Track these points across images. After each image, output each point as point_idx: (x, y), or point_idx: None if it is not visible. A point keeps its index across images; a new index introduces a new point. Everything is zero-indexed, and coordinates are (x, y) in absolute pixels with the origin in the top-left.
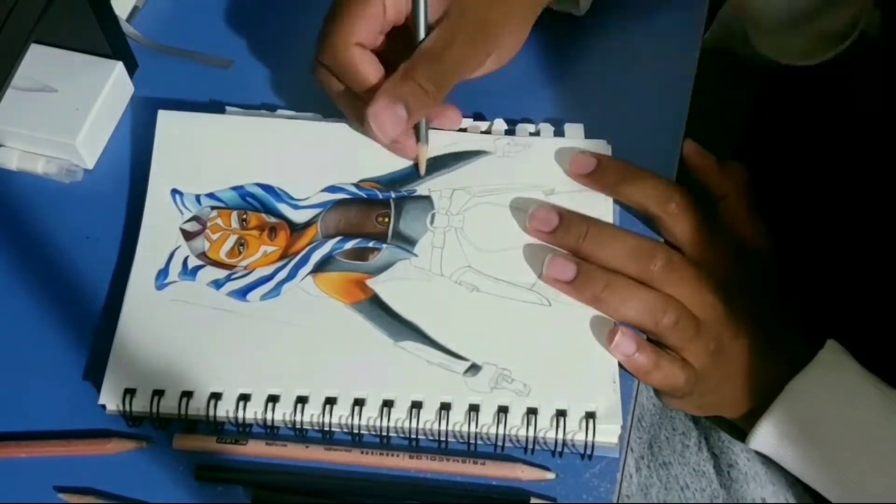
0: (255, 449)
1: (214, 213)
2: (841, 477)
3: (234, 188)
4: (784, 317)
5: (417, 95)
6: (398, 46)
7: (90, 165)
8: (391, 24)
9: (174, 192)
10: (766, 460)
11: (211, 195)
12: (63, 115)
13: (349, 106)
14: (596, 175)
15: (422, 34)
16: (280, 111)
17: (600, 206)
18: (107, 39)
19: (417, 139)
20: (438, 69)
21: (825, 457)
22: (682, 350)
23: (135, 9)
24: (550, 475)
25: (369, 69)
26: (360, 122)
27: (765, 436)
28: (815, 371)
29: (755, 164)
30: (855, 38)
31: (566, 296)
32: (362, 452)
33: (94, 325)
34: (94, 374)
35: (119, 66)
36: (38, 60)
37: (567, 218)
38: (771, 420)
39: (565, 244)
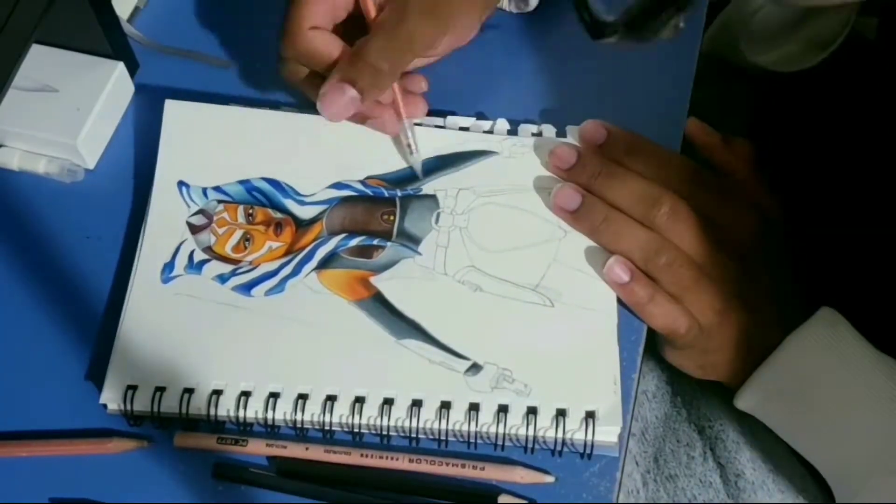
0: (256, 448)
1: (221, 206)
2: (826, 436)
3: (241, 182)
4: (798, 293)
5: (370, 74)
6: (357, 34)
7: (91, 165)
8: (344, 8)
9: (181, 184)
10: (774, 468)
11: (217, 189)
12: (64, 115)
13: (314, 90)
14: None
15: (372, 13)
16: (283, 109)
17: None
18: (108, 39)
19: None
20: (390, 45)
21: (813, 413)
22: (680, 297)
23: (136, 9)
24: (550, 478)
25: (329, 48)
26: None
27: (753, 392)
28: (809, 329)
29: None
30: (841, 43)
31: (568, 297)
32: (362, 455)
33: (95, 325)
34: (96, 374)
35: (120, 67)
36: (40, 60)
37: (584, 157)
38: (761, 376)
39: (579, 181)
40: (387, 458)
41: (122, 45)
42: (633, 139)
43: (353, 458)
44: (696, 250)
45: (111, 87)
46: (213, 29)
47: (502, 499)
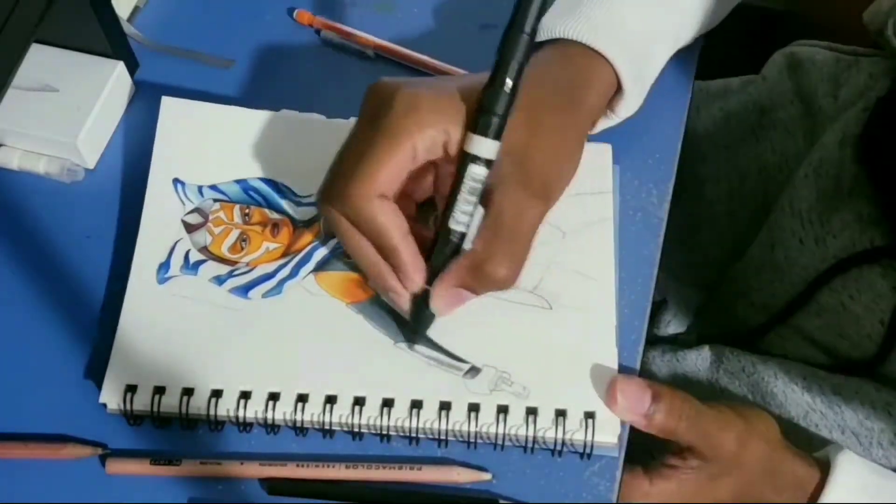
0: (190, 469)
1: (217, 205)
2: None
3: (238, 181)
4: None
5: (491, 284)
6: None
7: (91, 165)
8: (420, 165)
9: (176, 181)
10: None
11: (214, 187)
12: (64, 114)
13: (360, 254)
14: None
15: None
16: (284, 111)
17: (602, 211)
18: (108, 39)
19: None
20: (513, 249)
21: None
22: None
23: (136, 9)
24: (486, 476)
25: (394, 225)
26: (377, 279)
27: None
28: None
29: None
30: None
31: (566, 299)
32: (298, 465)
33: (95, 325)
34: (96, 373)
35: (120, 66)
36: (40, 60)
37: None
38: None
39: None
40: (323, 466)
41: (121, 45)
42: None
43: (289, 469)
44: None
45: (111, 86)
46: (212, 28)
47: None
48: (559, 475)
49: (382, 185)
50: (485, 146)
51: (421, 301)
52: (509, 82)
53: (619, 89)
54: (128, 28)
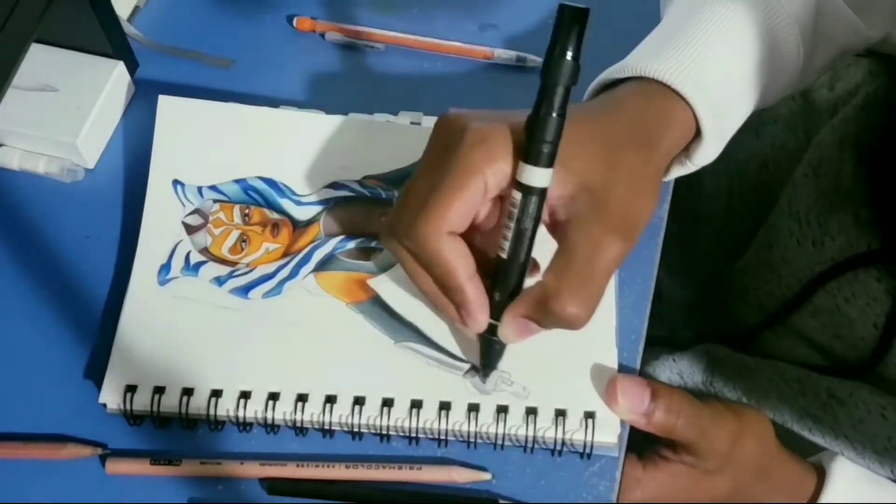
0: (190, 469)
1: (217, 206)
2: None
3: (237, 181)
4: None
5: (562, 321)
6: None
7: (91, 165)
8: (478, 207)
9: (175, 182)
10: None
11: (213, 188)
12: (64, 114)
13: (426, 287)
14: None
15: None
16: (283, 108)
17: None
18: (108, 39)
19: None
20: (585, 286)
21: None
22: None
23: (136, 8)
24: (486, 475)
25: (458, 262)
26: (444, 311)
27: None
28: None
29: None
30: None
31: None
32: (297, 465)
33: (95, 325)
34: (96, 374)
35: (120, 66)
36: (40, 60)
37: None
38: None
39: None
40: (323, 466)
41: (121, 45)
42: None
43: (289, 469)
44: None
45: (111, 86)
46: (212, 28)
47: None
48: (559, 475)
49: (452, 221)
50: (537, 175)
51: (488, 334)
52: (556, 107)
53: (697, 136)
54: (128, 28)
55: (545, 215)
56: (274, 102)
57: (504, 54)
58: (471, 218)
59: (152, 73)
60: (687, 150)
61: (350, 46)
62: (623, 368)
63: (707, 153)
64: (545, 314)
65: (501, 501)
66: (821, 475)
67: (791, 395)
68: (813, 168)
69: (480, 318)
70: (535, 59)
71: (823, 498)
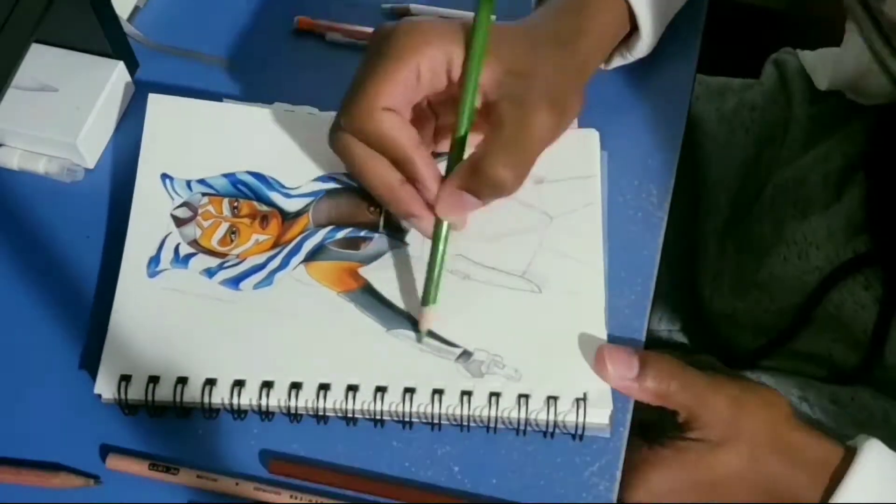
0: (186, 479)
1: (206, 199)
2: None
3: (225, 175)
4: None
5: (493, 186)
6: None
7: (91, 165)
8: (425, 92)
9: (164, 176)
10: None
11: (202, 181)
12: (64, 114)
13: (375, 174)
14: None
15: (473, 103)
16: (276, 104)
17: (589, 195)
18: (108, 39)
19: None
20: (515, 155)
21: None
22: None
23: (136, 8)
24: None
25: (400, 134)
26: (396, 204)
27: None
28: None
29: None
30: None
31: (555, 282)
32: (291, 496)
33: (95, 324)
34: (92, 366)
35: (120, 66)
36: (40, 60)
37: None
38: None
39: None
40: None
41: (121, 45)
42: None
43: (283, 498)
44: None
45: (111, 86)
46: (212, 28)
47: None
48: (559, 475)
49: (388, 98)
50: None
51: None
52: None
53: (634, 29)
54: (128, 28)
55: (478, 102)
56: (274, 102)
57: None
58: (407, 100)
59: (152, 73)
60: (626, 43)
61: (350, 46)
62: None
63: (645, 42)
64: (477, 179)
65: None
66: (848, 454)
67: (793, 402)
68: (794, 177)
69: (433, 186)
70: None
71: (850, 479)
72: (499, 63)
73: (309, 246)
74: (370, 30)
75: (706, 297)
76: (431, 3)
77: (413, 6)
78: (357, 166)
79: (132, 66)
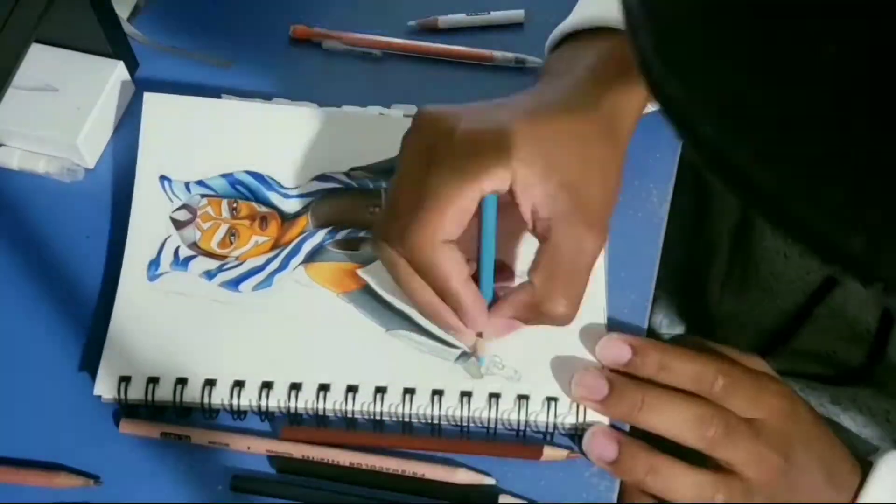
0: (199, 438)
1: (204, 201)
2: None
3: (224, 176)
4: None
5: (553, 322)
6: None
7: (91, 164)
8: (470, 212)
9: (162, 178)
10: None
11: (200, 183)
12: (64, 114)
13: (418, 294)
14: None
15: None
16: (274, 100)
17: None
18: (108, 39)
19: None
20: (572, 286)
21: None
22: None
23: (136, 8)
24: (490, 480)
25: (453, 268)
26: (436, 318)
27: None
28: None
29: None
30: None
31: None
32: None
33: (95, 325)
34: (93, 372)
35: (120, 66)
36: (40, 60)
37: (618, 387)
38: None
39: (616, 414)
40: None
41: (122, 45)
42: (663, 352)
43: (300, 448)
44: (751, 460)
45: (111, 86)
46: (212, 28)
47: (503, 499)
48: (559, 475)
49: (447, 230)
50: None
51: None
52: None
53: None
54: (128, 28)
55: (527, 212)
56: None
57: (504, 56)
58: (465, 225)
59: (152, 73)
60: None
61: (348, 53)
62: None
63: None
64: (536, 315)
65: (503, 499)
66: (863, 468)
67: None
68: None
69: (480, 320)
70: (535, 61)
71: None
72: (552, 174)
73: (308, 247)
74: (367, 37)
75: (713, 300)
76: (458, 9)
77: (441, 19)
78: (401, 280)
79: (132, 66)
